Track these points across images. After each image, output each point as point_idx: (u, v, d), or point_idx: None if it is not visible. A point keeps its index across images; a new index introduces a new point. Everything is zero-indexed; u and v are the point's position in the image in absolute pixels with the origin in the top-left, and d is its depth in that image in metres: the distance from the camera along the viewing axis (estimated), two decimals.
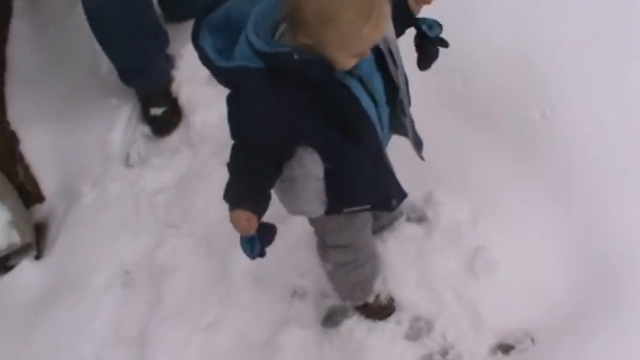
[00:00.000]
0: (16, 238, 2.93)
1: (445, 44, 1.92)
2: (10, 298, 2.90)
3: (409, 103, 1.94)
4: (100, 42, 3.03)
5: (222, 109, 2.98)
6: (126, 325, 2.73)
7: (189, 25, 3.33)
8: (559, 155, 2.43)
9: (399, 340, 2.41)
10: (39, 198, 3.15)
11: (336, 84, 1.65)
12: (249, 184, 1.76)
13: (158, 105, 3.15)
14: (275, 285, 2.61)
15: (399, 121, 1.94)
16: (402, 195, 2.08)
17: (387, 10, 1.54)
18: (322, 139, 1.77)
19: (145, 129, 3.21)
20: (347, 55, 1.59)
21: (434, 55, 1.96)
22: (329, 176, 1.87)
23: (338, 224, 2.14)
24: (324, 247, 2.31)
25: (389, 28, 1.71)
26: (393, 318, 2.44)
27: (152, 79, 3.16)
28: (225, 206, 1.76)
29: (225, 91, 2.77)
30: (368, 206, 2.05)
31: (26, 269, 2.96)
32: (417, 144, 2.09)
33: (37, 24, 3.61)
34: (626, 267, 2.22)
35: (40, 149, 3.22)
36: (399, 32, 1.83)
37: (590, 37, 2.48)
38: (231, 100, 1.73)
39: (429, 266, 2.42)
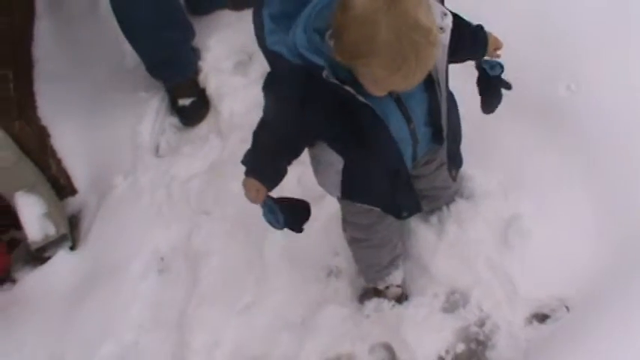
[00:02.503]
0: (51, 230, 3.00)
1: (508, 86, 2.07)
2: (48, 288, 2.95)
3: (453, 129, 2.00)
4: (127, 36, 3.08)
5: (249, 97, 3.05)
6: (164, 310, 2.78)
7: (213, 17, 3.44)
8: (586, 127, 2.46)
9: (436, 313, 2.44)
10: (72, 190, 3.21)
11: (361, 104, 1.65)
12: (266, 159, 1.85)
13: (186, 96, 3.20)
14: (310, 265, 2.65)
15: (442, 141, 1.99)
16: (416, 209, 2.15)
17: (423, 66, 1.52)
18: (341, 145, 1.83)
19: (174, 120, 3.26)
20: (375, 89, 1.62)
21: (497, 98, 2.09)
22: (346, 173, 1.93)
23: (357, 208, 2.19)
24: (344, 219, 2.36)
25: (442, 63, 1.73)
26: (429, 291, 2.47)
27: (179, 70, 3.21)
28: None
29: (251, 80, 2.86)
30: (378, 208, 2.13)
31: (62, 260, 3.01)
32: (453, 164, 2.16)
33: (61, 22, 3.65)
34: None
35: (71, 143, 3.27)
36: (458, 60, 1.89)
37: (614, 8, 2.53)
38: (266, 78, 1.77)
39: (463, 239, 2.46)
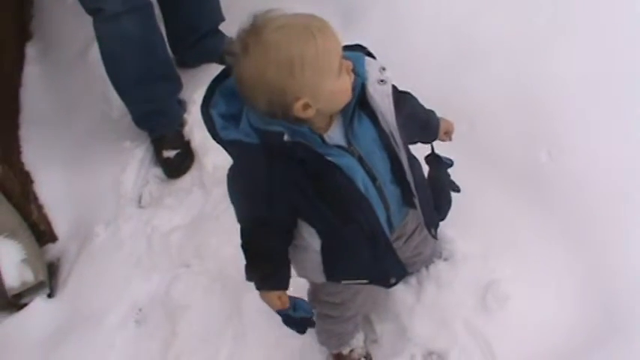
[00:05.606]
0: (29, 276, 2.97)
1: (456, 188, 2.17)
2: (23, 335, 2.91)
3: (420, 185, 1.98)
4: (115, 86, 3.12)
5: None
6: None
7: (200, 70, 3.48)
8: (567, 192, 2.50)
9: None
10: (52, 237, 3.20)
11: (329, 164, 1.68)
12: (268, 264, 1.86)
13: (171, 147, 3.21)
14: None
15: (411, 200, 1.98)
16: (402, 273, 2.13)
17: (313, 59, 1.57)
18: (315, 215, 1.82)
19: (158, 171, 3.28)
20: (333, 100, 1.66)
21: (448, 200, 2.19)
22: (326, 250, 1.90)
23: (335, 287, 2.19)
24: (315, 298, 2.32)
25: (390, 114, 1.76)
26: (406, 352, 2.45)
27: (165, 122, 3.24)
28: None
29: None
30: (365, 281, 2.10)
31: (39, 307, 2.98)
32: (429, 222, 2.13)
33: (50, 70, 3.71)
34: (638, 297, 2.28)
35: (53, 190, 3.29)
36: (409, 142, 1.92)
37: (594, 76, 2.59)
38: (229, 175, 1.80)
39: (442, 301, 2.46)
